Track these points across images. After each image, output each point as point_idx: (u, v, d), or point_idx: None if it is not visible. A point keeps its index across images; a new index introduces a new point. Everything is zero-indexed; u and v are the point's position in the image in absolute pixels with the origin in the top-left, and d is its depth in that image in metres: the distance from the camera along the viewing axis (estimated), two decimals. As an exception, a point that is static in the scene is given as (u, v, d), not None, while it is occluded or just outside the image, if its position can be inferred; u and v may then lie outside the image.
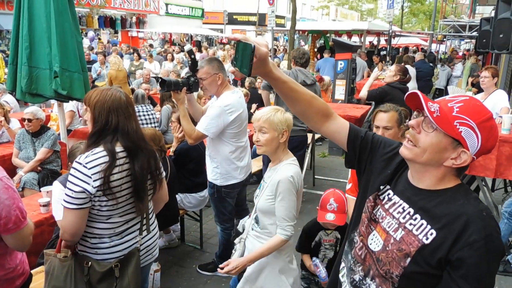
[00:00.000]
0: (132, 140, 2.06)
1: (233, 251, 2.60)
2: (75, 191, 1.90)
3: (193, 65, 3.08)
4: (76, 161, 1.94)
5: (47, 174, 4.66)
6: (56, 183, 2.90)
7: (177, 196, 3.92)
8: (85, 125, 7.02)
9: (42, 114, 4.86)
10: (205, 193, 4.07)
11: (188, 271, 3.93)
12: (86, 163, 1.92)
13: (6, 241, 1.84)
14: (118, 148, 2.02)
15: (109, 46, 19.00)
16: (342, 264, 1.55)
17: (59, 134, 5.01)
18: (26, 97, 4.71)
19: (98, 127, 2.02)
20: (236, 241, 2.59)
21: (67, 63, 4.65)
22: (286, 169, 2.32)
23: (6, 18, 20.32)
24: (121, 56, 14.10)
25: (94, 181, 1.91)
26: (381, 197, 1.41)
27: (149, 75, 9.50)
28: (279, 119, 2.31)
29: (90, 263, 2.03)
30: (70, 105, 6.44)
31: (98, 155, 1.96)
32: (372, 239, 1.39)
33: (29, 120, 4.69)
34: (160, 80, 2.91)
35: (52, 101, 6.36)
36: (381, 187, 1.42)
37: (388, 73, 5.06)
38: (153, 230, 2.31)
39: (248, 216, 2.72)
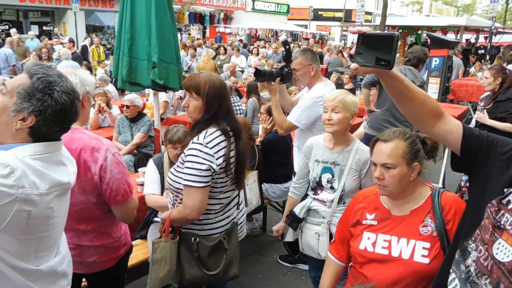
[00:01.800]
0: (235, 121, 2.14)
1: (316, 236, 2.54)
2: (203, 170, 1.95)
3: (287, 56, 3.08)
4: (194, 142, 2.00)
5: (142, 157, 4.99)
6: (150, 161, 3.10)
7: (262, 185, 3.97)
8: (175, 114, 7.42)
9: (140, 102, 5.19)
10: (289, 184, 4.07)
11: (269, 261, 3.97)
12: (206, 143, 1.98)
13: (115, 212, 2.00)
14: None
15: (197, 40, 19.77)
16: (452, 276, 1.39)
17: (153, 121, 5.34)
18: (126, 85, 5.07)
19: (212, 112, 2.05)
20: (320, 229, 2.53)
21: (164, 55, 4.91)
22: (366, 149, 2.44)
23: (107, 15, 22.06)
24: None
25: (216, 159, 1.98)
26: (504, 201, 1.27)
27: (235, 68, 9.73)
28: (352, 101, 2.44)
29: (198, 239, 2.11)
30: (165, 96, 6.81)
31: (214, 135, 2.02)
32: (498, 248, 1.24)
33: (127, 107, 5.04)
34: (255, 70, 2.95)
35: (147, 91, 6.77)
36: (505, 190, 1.28)
37: (486, 81, 4.49)
38: (243, 208, 2.39)
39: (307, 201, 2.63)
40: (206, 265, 2.13)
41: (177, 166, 2.10)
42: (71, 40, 11.91)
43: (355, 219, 1.87)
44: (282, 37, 3.17)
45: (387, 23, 13.98)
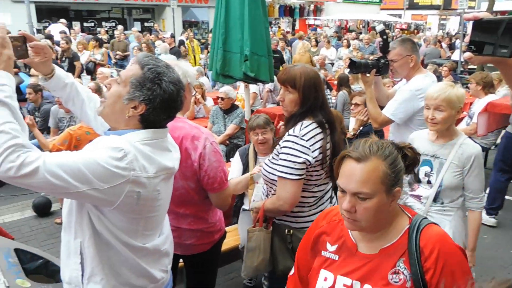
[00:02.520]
0: (330, 112, 2.11)
1: None
2: (298, 162, 1.95)
3: (385, 46, 2.94)
4: (290, 135, 2.00)
5: (233, 148, 5.15)
6: (237, 152, 3.19)
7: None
8: (264, 106, 7.53)
9: (233, 94, 5.34)
10: (382, 181, 3.92)
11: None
12: (302, 136, 1.98)
13: (211, 198, 2.09)
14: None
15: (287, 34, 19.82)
16: None
17: (243, 113, 5.47)
18: (220, 78, 5.26)
19: (308, 105, 2.03)
20: None
21: (256, 48, 5.00)
22: (472, 144, 2.34)
23: (201, 10, 23.03)
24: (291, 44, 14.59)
25: (312, 151, 1.97)
26: None
27: (325, 60, 9.58)
28: (457, 96, 2.27)
29: (291, 231, 2.12)
30: (254, 87, 6.94)
31: (310, 127, 2.01)
32: None
33: (222, 99, 5.22)
34: (350, 61, 2.86)
35: (238, 83, 6.95)
36: None
37: None
38: (335, 202, 2.35)
39: None
40: None
41: (272, 157, 2.11)
42: (172, 36, 12.67)
43: (315, 245, 1.46)
44: (380, 27, 3.03)
45: (495, 8, 12.73)
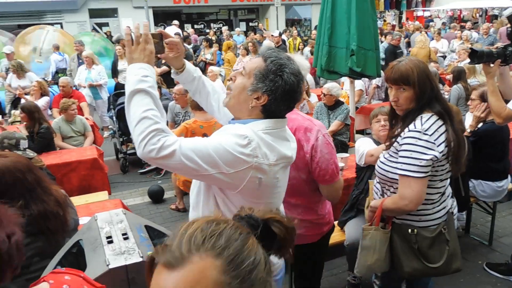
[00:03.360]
0: (445, 101, 2.01)
1: None
2: (424, 159, 1.89)
3: (514, 34, 2.68)
4: (411, 130, 1.93)
5: (337, 144, 5.09)
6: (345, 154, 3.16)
7: (470, 181, 3.58)
8: (369, 102, 7.31)
9: (337, 92, 5.27)
10: (505, 183, 3.57)
11: (472, 265, 3.58)
12: (425, 130, 1.90)
13: (322, 190, 2.11)
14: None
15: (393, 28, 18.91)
16: None
17: (348, 109, 5.37)
18: (324, 74, 5.23)
19: (426, 98, 1.95)
20: None
21: (363, 42, 4.87)
22: None
23: (304, 8, 23.03)
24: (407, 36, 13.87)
25: (437, 146, 1.90)
26: None
27: (436, 53, 9.00)
28: None
29: (415, 230, 2.05)
30: (360, 84, 6.78)
31: (431, 120, 1.93)
32: None
33: (325, 95, 5.19)
34: (471, 51, 2.66)
35: (342, 79, 6.84)
36: None
37: None
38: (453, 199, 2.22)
39: None
40: (427, 257, 2.05)
41: (389, 155, 2.05)
42: (280, 34, 12.94)
43: None
44: (508, 11, 2.76)
45: None
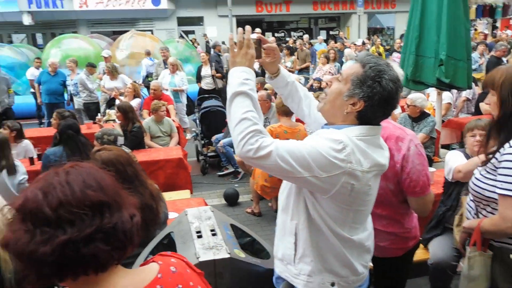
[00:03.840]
0: None
1: None
2: None
3: None
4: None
5: (421, 158, 4.87)
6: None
7: None
8: (457, 116, 6.89)
9: (423, 103, 5.04)
10: None
11: None
12: None
13: (410, 202, 2.04)
14: None
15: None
16: None
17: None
18: (410, 84, 5.03)
19: (510, 108, 1.83)
20: None
21: (454, 51, 4.63)
22: None
23: (387, 16, 22.38)
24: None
25: None
26: None
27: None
28: None
29: None
30: (448, 97, 6.43)
31: None
32: None
33: (408, 105, 4.99)
34: None
35: (428, 90, 6.52)
36: None
37: None
38: None
39: None
40: None
41: (487, 172, 1.92)
42: (363, 43, 12.76)
43: None
44: None
45: None
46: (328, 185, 1.40)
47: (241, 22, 20.04)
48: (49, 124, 8.38)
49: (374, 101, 1.45)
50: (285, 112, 4.41)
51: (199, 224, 2.01)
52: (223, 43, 13.59)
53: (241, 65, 1.50)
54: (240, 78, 1.46)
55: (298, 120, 4.59)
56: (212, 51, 11.53)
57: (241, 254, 1.85)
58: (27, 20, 17.11)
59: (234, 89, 1.44)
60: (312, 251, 1.52)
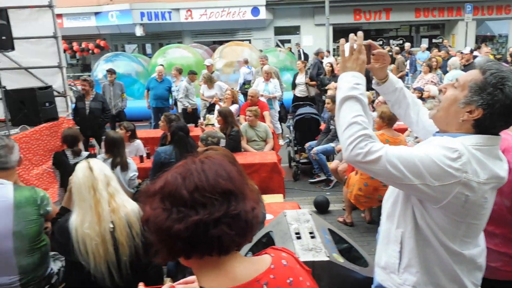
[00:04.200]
0: None
1: None
2: None
3: None
4: None
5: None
6: None
7: None
8: None
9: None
10: None
11: None
12: None
13: None
14: None
15: None
16: None
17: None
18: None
19: None
20: None
21: None
22: None
23: (499, 23, 20.57)
24: None
25: None
26: None
27: None
28: None
29: None
30: None
31: None
32: None
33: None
34: None
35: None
36: None
37: None
38: None
39: None
40: None
41: None
42: (471, 51, 11.90)
43: None
44: None
45: None
46: (440, 194, 1.36)
47: (338, 30, 19.90)
48: (155, 127, 9.12)
49: (494, 109, 1.37)
50: (390, 120, 4.29)
51: (298, 225, 2.05)
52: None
53: (352, 70, 1.51)
54: (351, 82, 1.47)
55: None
56: (312, 58, 11.56)
57: (340, 259, 1.85)
58: (139, 31, 18.80)
59: (344, 93, 1.46)
60: (418, 261, 1.47)
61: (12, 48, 6.03)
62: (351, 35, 1.55)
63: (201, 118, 8.09)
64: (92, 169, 2.37)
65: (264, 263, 1.03)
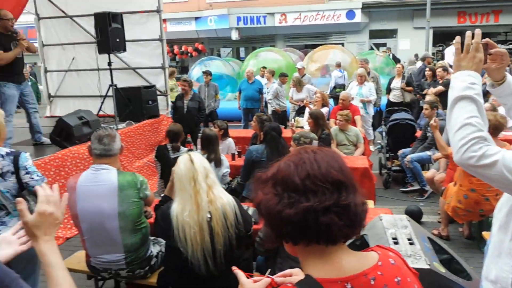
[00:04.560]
0: None
1: None
2: None
3: None
4: None
5: None
6: None
7: None
8: None
9: None
10: None
11: None
12: None
13: None
14: None
15: None
16: None
17: None
18: None
19: None
20: None
21: None
22: None
23: None
24: None
25: None
26: None
27: None
28: None
29: None
30: None
31: None
32: None
33: None
34: None
35: None
36: None
37: None
38: None
39: None
40: None
41: None
42: None
43: None
44: None
45: None
46: None
47: (438, 34, 18.75)
48: (245, 127, 9.39)
49: None
50: (496, 129, 3.93)
51: (395, 231, 1.98)
52: (416, 56, 12.93)
53: (467, 69, 1.43)
54: (466, 81, 1.39)
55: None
56: (419, 63, 11.00)
57: (441, 269, 1.75)
58: (234, 35, 19.52)
59: (458, 93, 1.39)
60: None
61: (124, 50, 6.64)
62: (468, 32, 1.47)
63: (292, 120, 8.15)
64: (193, 161, 2.52)
65: (371, 259, 1.02)
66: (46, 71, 8.68)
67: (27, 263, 2.41)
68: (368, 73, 8.76)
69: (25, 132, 6.22)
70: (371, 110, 8.27)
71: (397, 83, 9.18)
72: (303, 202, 0.94)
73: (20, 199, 1.17)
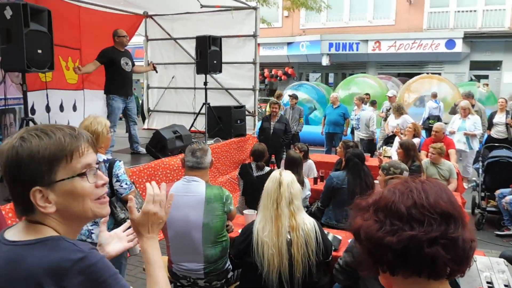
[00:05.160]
0: None
1: None
2: None
3: None
4: None
5: None
6: None
7: None
8: None
9: None
10: None
11: None
12: None
13: None
14: None
15: None
16: None
17: None
18: None
19: None
20: None
21: None
22: None
23: None
24: None
25: None
26: None
27: None
28: None
29: None
30: None
31: None
32: None
33: None
34: None
35: None
36: None
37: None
38: None
39: None
40: None
41: None
42: None
43: None
44: None
45: None
46: None
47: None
48: (327, 152, 9.28)
49: None
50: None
51: (490, 274, 1.81)
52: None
53: None
54: None
55: None
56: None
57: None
58: (325, 61, 19.54)
59: None
60: None
61: (220, 71, 7.02)
62: None
63: (379, 149, 7.89)
64: (281, 184, 2.53)
65: None
66: (148, 87, 9.46)
67: (113, 262, 2.61)
68: (473, 106, 8.20)
69: (124, 141, 6.79)
70: (476, 145, 7.63)
71: (500, 118, 8.45)
72: (407, 230, 0.90)
73: (131, 196, 1.28)
